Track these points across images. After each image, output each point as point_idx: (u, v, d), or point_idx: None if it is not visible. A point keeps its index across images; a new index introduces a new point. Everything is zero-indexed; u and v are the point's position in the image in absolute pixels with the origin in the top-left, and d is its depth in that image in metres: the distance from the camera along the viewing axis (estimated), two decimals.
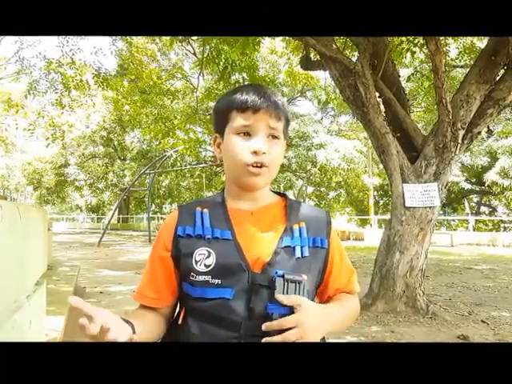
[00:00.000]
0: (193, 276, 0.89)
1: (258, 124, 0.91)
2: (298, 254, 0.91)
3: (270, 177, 0.95)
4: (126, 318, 0.82)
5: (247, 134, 0.92)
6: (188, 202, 1.10)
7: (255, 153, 0.90)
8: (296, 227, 0.95)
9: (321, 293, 1.02)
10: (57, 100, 10.19)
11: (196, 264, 0.89)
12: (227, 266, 0.88)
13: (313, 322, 0.84)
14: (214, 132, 1.02)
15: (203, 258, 0.89)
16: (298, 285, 0.87)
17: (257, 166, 0.91)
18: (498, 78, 4.59)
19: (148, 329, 0.91)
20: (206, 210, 0.95)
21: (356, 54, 6.17)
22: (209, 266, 0.88)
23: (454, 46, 7.98)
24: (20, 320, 1.51)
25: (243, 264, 0.88)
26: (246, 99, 0.92)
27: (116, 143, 28.71)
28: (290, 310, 0.85)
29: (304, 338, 0.81)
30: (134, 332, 0.79)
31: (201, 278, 0.88)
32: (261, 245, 0.92)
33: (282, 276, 0.86)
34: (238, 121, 0.92)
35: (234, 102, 0.93)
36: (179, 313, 0.94)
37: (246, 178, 0.93)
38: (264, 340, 0.81)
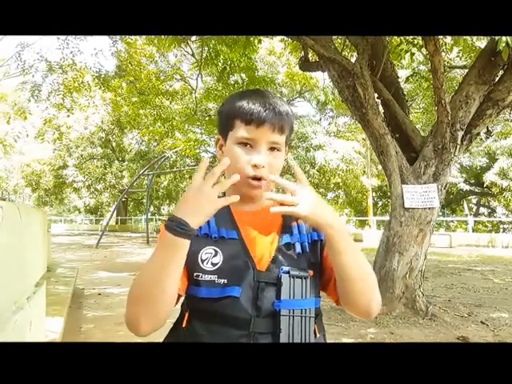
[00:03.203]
0: (198, 276, 0.89)
1: (261, 138, 0.92)
2: (298, 249, 0.93)
3: (268, 188, 0.97)
4: None
5: (249, 145, 0.93)
6: None
7: (255, 166, 0.91)
8: (294, 224, 0.97)
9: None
10: (60, 104, 10.19)
11: (202, 263, 0.90)
12: (234, 264, 0.89)
13: (314, 197, 0.87)
14: (217, 133, 1.03)
15: (210, 257, 0.90)
16: (303, 280, 0.89)
17: (255, 179, 0.92)
18: (497, 79, 4.59)
19: None
20: None
21: (355, 54, 6.18)
22: (216, 264, 0.89)
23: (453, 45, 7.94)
24: (20, 321, 1.51)
25: (249, 262, 0.90)
26: (252, 111, 0.91)
27: (114, 144, 28.65)
28: (298, 306, 0.87)
29: (305, 203, 0.84)
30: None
31: (207, 277, 0.89)
32: (264, 244, 0.94)
33: (288, 272, 0.88)
34: (240, 132, 0.92)
35: (238, 111, 0.93)
36: (182, 317, 0.93)
37: (245, 189, 0.94)
38: (272, 209, 0.84)
